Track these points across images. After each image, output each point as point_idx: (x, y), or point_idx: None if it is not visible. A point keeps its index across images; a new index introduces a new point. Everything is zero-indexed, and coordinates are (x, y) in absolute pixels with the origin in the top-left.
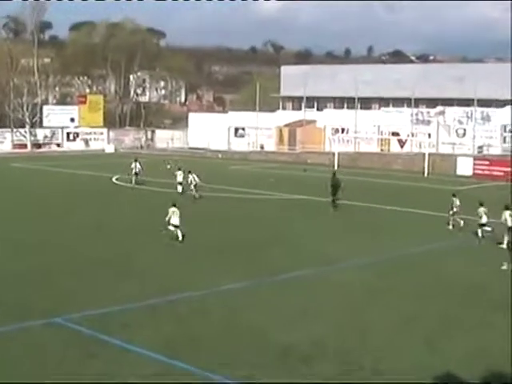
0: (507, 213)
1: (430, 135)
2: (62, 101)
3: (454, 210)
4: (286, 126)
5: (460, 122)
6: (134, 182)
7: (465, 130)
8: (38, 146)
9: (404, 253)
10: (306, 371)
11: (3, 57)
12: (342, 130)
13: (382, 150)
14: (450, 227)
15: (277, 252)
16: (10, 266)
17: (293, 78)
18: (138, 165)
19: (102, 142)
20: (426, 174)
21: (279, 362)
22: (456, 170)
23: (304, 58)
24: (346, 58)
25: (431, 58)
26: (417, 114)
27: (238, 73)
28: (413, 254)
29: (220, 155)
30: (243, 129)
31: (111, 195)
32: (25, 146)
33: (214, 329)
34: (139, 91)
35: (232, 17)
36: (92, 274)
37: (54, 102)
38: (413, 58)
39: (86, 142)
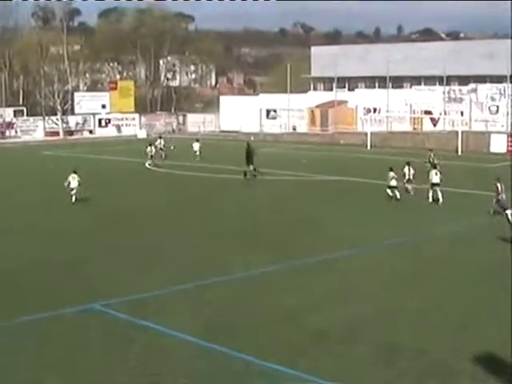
0: (391, 174)
1: (462, 113)
2: (93, 87)
3: (407, 177)
4: (318, 106)
5: (493, 99)
6: (163, 156)
7: (498, 106)
8: (71, 133)
9: (435, 233)
10: (344, 353)
11: (33, 45)
12: (374, 110)
13: (414, 128)
14: (412, 192)
15: (307, 234)
16: (45, 255)
17: (323, 59)
18: (162, 141)
19: (134, 127)
20: (459, 152)
21: (316, 344)
22: (490, 147)
23: (334, 38)
24: (375, 37)
25: (461, 35)
26: (449, 92)
27: (268, 55)
28: (445, 233)
29: (252, 138)
30: (275, 111)
31: (144, 180)
32: (57, 133)
33: (250, 312)
34: (169, 76)
35: None
36: (125, 260)
37: (85, 88)
38: (443, 35)
39: (118, 127)
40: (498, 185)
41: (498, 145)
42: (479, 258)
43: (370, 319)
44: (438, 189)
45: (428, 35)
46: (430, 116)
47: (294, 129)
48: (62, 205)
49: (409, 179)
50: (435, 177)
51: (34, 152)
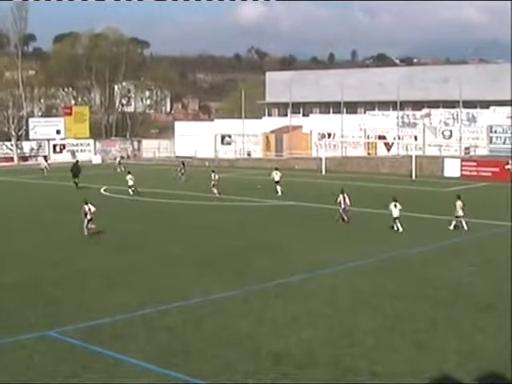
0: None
1: (416, 138)
2: (48, 113)
3: (213, 183)
4: (273, 132)
5: (446, 124)
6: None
7: (451, 131)
8: (25, 158)
9: (391, 255)
10: (301, 377)
11: None
12: (329, 135)
13: (368, 153)
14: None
15: (265, 259)
16: None
17: (278, 85)
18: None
19: (89, 153)
20: (413, 177)
21: (273, 369)
22: (443, 171)
23: (288, 64)
24: (330, 63)
25: (415, 60)
26: (402, 117)
27: (223, 80)
28: (400, 256)
29: (207, 163)
30: (230, 136)
31: (99, 206)
32: (11, 159)
33: (207, 337)
34: (124, 101)
35: (215, 25)
36: (81, 285)
37: (40, 114)
38: (397, 61)
39: (73, 153)
40: (341, 196)
41: (452, 169)
42: (436, 278)
43: (327, 342)
44: (278, 185)
45: (382, 61)
46: (384, 141)
47: (249, 154)
48: (16, 228)
49: (214, 184)
50: (276, 176)
51: None
